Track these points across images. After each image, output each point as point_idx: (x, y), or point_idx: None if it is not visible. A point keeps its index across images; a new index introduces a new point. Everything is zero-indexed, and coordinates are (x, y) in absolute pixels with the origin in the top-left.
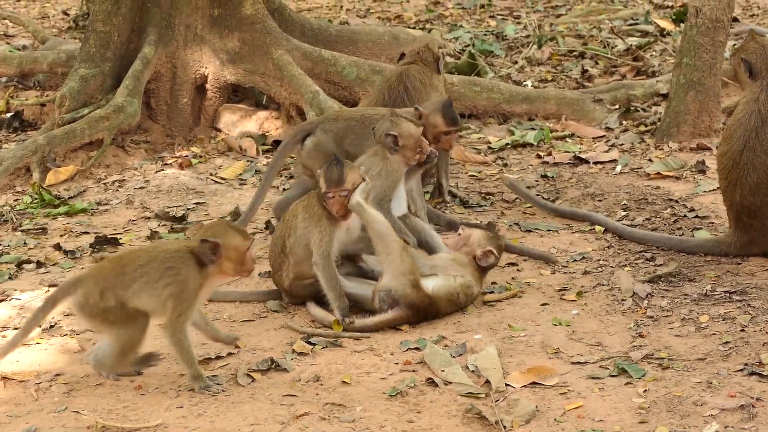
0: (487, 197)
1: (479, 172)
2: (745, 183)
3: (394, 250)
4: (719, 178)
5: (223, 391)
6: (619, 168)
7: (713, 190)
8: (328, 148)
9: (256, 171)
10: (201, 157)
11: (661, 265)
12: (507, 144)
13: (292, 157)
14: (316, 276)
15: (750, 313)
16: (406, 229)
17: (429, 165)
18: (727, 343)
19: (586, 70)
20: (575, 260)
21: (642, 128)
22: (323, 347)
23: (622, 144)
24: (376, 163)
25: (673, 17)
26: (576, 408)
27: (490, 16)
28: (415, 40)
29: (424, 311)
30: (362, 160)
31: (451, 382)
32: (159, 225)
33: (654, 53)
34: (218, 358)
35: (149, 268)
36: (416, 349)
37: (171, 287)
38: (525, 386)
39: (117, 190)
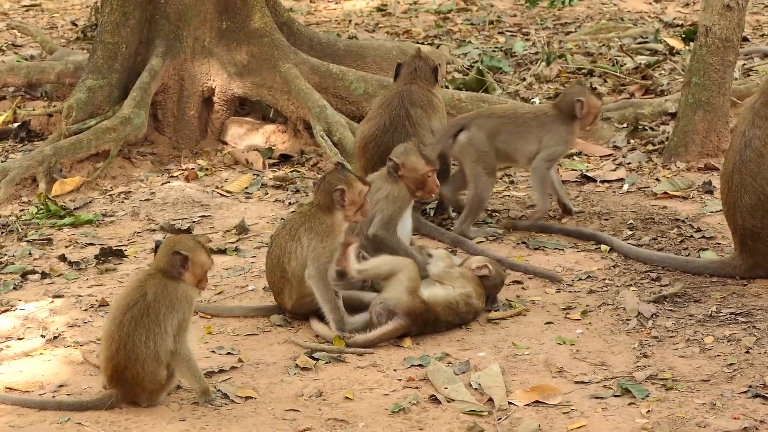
0: (493, 214)
1: None
2: (742, 206)
3: (400, 269)
4: (721, 201)
5: (225, 404)
6: (626, 187)
7: (720, 210)
8: (481, 144)
9: (262, 185)
10: (207, 169)
11: (666, 285)
12: None
13: (298, 171)
14: (311, 289)
15: (755, 335)
16: (412, 250)
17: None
18: (731, 364)
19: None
20: (580, 279)
21: (650, 147)
22: (326, 362)
23: (629, 163)
24: (383, 185)
25: (683, 36)
26: (579, 428)
27: (499, 33)
28: None
29: (422, 318)
30: (373, 177)
31: (453, 400)
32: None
33: (663, 72)
34: (221, 371)
35: (149, 325)
36: (420, 365)
37: (177, 318)
38: (528, 405)
39: (123, 202)
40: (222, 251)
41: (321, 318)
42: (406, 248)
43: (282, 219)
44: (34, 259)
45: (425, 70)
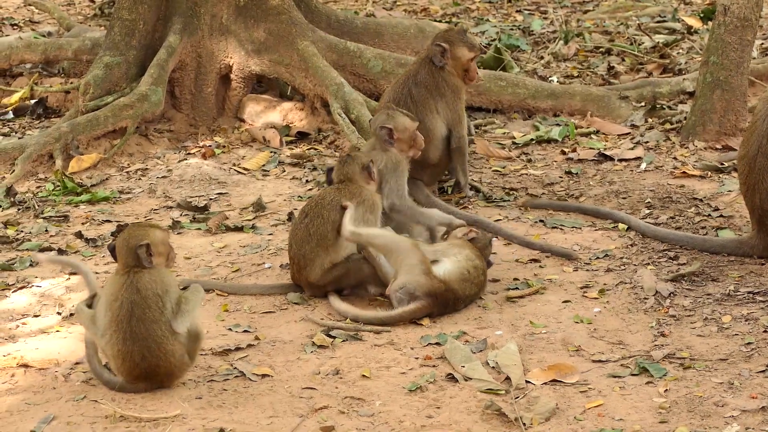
0: (511, 192)
1: (503, 168)
2: (762, 188)
3: (403, 250)
4: (739, 182)
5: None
6: (643, 166)
7: (738, 189)
8: None
9: (279, 162)
10: (224, 147)
11: (684, 264)
12: (531, 140)
13: (315, 149)
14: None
15: None
16: (431, 212)
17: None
18: (749, 343)
19: (613, 67)
20: (598, 258)
21: (667, 126)
22: (343, 340)
23: (647, 142)
24: (380, 157)
25: (701, 15)
26: (596, 406)
27: (517, 11)
28: None
29: (443, 298)
30: (364, 151)
31: (471, 378)
32: (181, 215)
33: (681, 51)
34: (237, 349)
35: (157, 317)
36: (437, 344)
37: (172, 300)
38: (545, 384)
39: (139, 179)
40: (239, 229)
41: (340, 294)
42: (422, 212)
43: (299, 197)
44: (51, 236)
45: (427, 56)
